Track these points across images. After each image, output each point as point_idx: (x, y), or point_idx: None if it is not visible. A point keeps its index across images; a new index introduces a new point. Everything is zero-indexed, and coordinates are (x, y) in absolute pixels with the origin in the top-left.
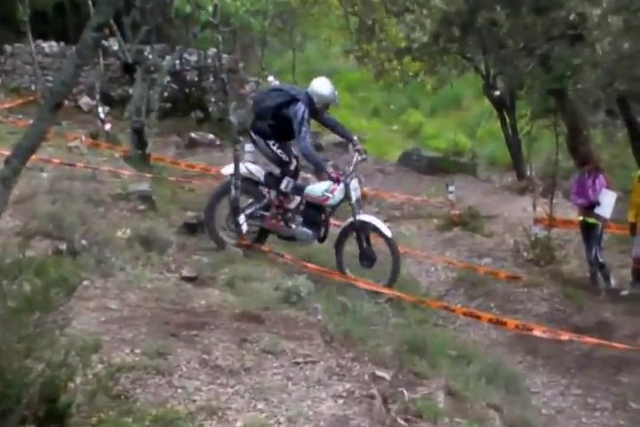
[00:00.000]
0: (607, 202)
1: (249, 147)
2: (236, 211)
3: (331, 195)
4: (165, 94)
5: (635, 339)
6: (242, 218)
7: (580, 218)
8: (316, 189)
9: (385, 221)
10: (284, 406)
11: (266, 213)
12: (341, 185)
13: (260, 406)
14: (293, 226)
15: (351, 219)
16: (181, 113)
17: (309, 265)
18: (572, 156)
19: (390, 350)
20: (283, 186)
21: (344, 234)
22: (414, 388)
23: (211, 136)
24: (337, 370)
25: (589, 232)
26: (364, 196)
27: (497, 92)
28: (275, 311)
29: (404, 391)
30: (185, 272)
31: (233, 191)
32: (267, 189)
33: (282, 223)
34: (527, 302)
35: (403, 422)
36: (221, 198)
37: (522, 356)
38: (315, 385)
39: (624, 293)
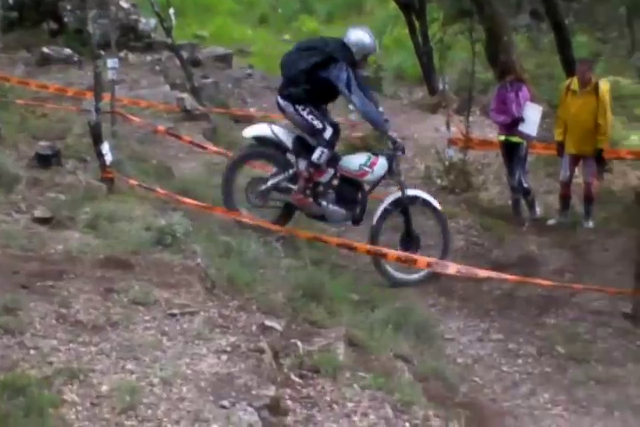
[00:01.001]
0: (532, 117)
1: (112, 62)
2: (96, 139)
3: (369, 169)
4: (10, 1)
5: (562, 275)
6: (105, 147)
7: (502, 137)
8: (353, 161)
9: None
10: (158, 365)
11: (293, 186)
12: (382, 159)
13: (130, 366)
14: (324, 203)
15: (397, 194)
16: (30, 23)
17: (186, 200)
18: (491, 66)
19: (282, 296)
20: (315, 157)
21: (386, 213)
22: (310, 339)
23: (67, 51)
24: (220, 321)
25: (512, 153)
26: (250, 117)
27: None
28: (146, 256)
29: (298, 343)
30: (38, 212)
31: (93, 116)
32: (295, 158)
33: (310, 199)
34: None
35: (297, 378)
36: (240, 167)
37: (435, 298)
38: (194, 340)
39: (551, 222)
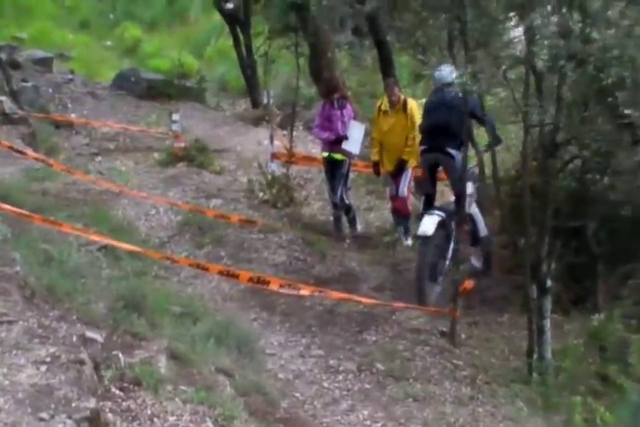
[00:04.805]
0: (355, 135)
1: None
2: None
3: None
4: None
5: (382, 292)
6: None
7: (325, 154)
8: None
9: (96, 155)
10: None
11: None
12: None
13: None
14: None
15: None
16: None
17: (4, 207)
18: (314, 81)
19: (103, 306)
20: (471, 209)
21: None
22: (131, 351)
23: None
24: (39, 331)
25: (335, 170)
26: (71, 123)
27: (229, 5)
28: None
29: (120, 355)
30: None
31: None
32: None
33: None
34: (263, 249)
35: (117, 390)
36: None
37: (257, 312)
38: (12, 350)
39: (407, 243)
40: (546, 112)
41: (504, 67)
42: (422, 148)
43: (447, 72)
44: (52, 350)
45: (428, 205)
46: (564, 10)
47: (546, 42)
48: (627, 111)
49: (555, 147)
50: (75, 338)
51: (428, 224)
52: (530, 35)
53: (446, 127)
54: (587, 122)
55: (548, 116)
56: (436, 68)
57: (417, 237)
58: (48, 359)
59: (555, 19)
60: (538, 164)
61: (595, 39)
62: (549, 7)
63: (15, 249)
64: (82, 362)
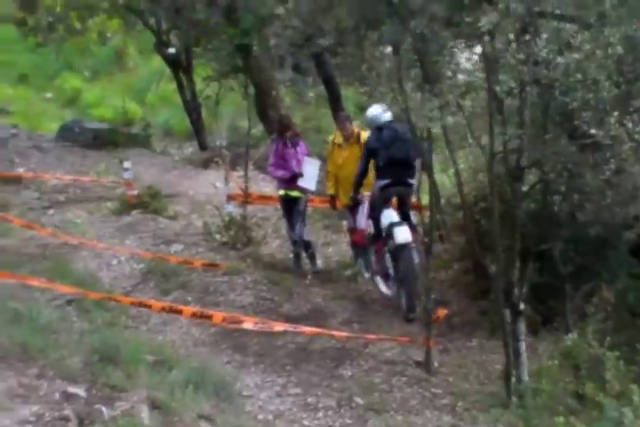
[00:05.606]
0: (311, 172)
1: None
2: None
3: None
4: None
5: (350, 325)
6: None
7: (282, 192)
8: None
9: (48, 208)
10: None
11: None
12: None
13: None
14: None
15: None
16: None
17: None
18: (260, 120)
19: (79, 361)
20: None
21: None
22: (112, 403)
23: None
24: (20, 391)
25: (292, 207)
26: (19, 178)
27: (171, 50)
28: None
29: (103, 409)
30: None
31: None
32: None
33: None
34: (229, 292)
35: None
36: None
37: (229, 355)
38: None
39: (367, 275)
40: (510, 138)
41: (454, 95)
42: (384, 182)
43: (382, 112)
44: (34, 408)
45: (379, 227)
46: (527, 37)
47: (512, 69)
48: (592, 131)
49: (520, 171)
50: (57, 395)
51: (405, 232)
52: (490, 62)
53: (406, 160)
54: (549, 144)
55: (511, 141)
56: (369, 111)
57: (398, 247)
58: (32, 418)
59: (515, 45)
60: (499, 188)
61: (558, 64)
62: (511, 35)
63: None
64: (66, 419)
